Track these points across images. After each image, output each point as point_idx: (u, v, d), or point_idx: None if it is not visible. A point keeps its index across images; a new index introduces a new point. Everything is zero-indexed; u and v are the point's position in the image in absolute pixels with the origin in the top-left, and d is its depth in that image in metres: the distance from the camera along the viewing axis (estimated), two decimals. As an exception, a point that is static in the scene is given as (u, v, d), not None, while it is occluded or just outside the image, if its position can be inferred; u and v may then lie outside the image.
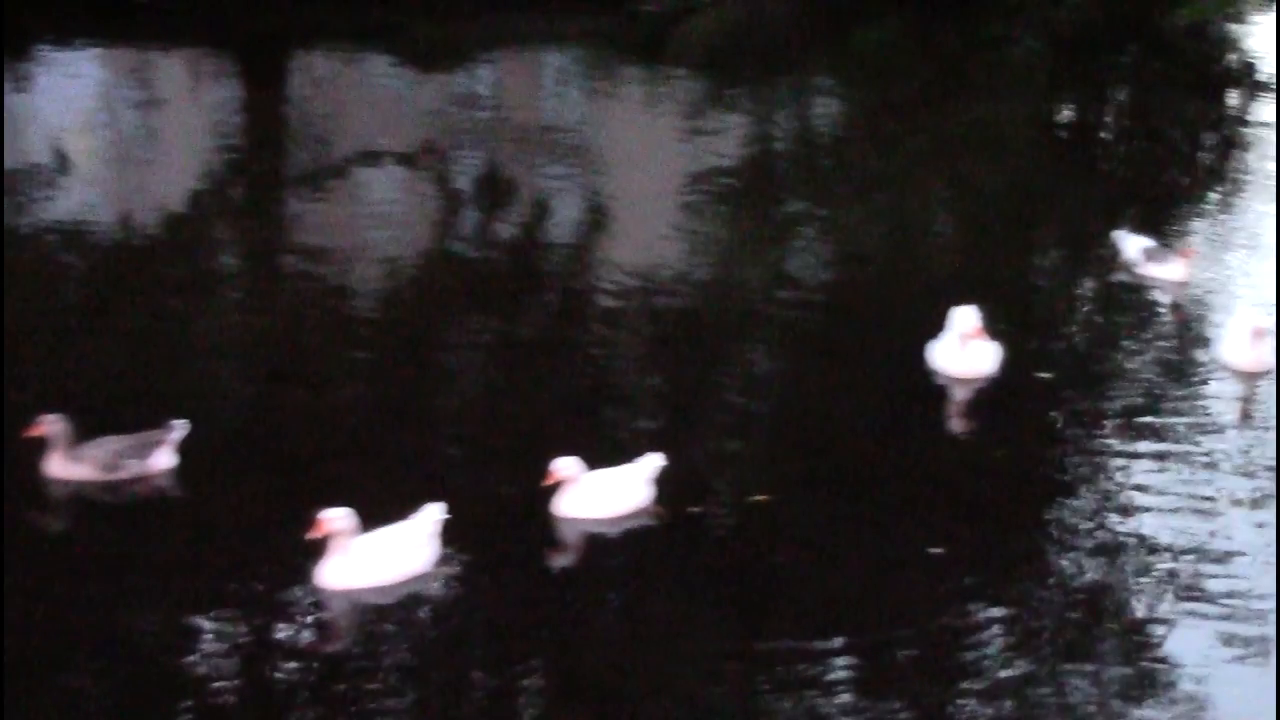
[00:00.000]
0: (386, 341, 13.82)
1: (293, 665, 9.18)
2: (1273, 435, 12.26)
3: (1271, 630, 9.71)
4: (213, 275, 15.49)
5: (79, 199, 17.13)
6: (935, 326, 13.22)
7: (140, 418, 11.28)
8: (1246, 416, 12.70)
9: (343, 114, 21.25)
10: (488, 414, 12.50)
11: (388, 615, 9.68)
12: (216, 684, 8.94)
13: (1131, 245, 15.79)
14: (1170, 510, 11.13)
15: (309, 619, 9.61)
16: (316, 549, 9.79)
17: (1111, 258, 15.94)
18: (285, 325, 14.05)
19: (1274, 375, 13.16)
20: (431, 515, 10.19)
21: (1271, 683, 9.22)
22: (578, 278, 15.71)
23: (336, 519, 9.76)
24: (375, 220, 17.13)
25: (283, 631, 9.47)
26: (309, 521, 9.74)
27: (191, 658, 9.12)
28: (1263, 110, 23.20)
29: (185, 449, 11.18)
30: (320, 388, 12.70)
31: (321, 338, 13.82)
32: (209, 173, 18.56)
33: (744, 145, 20.78)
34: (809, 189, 19.31)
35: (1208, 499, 11.29)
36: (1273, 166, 19.89)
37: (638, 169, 19.46)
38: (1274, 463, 11.73)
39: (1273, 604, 9.99)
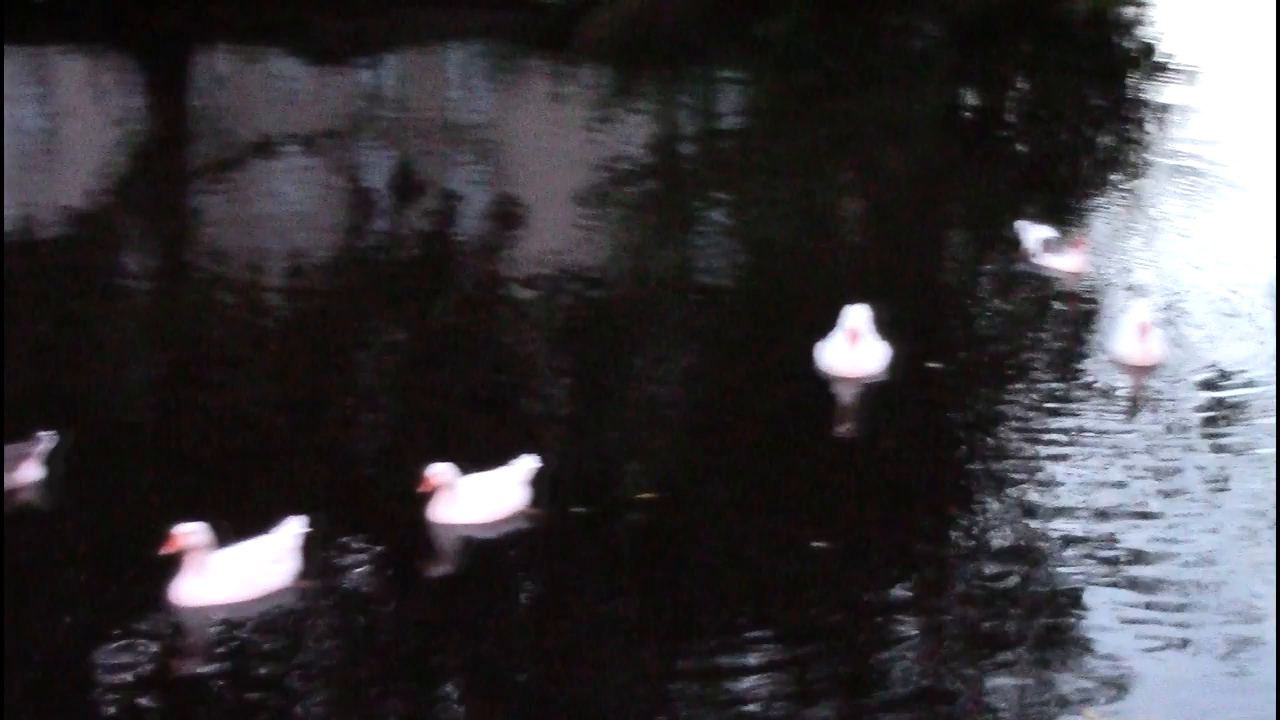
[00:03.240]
0: (293, 340, 13.80)
1: (157, 687, 9.07)
2: (1162, 427, 12.48)
3: (1189, 615, 9.92)
4: (116, 276, 15.37)
5: (-22, 200, 16.97)
6: (834, 321, 13.27)
7: (41, 424, 11.17)
8: (1135, 410, 12.85)
9: (246, 111, 21.10)
10: (392, 414, 12.51)
11: (246, 631, 9.57)
12: (74, 709, 8.85)
13: (1032, 236, 15.92)
14: (1061, 501, 11.32)
15: (169, 638, 9.47)
16: (173, 565, 9.65)
17: (1013, 249, 16.07)
18: (190, 326, 13.99)
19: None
20: (292, 529, 10.07)
21: (1188, 666, 9.41)
22: (484, 272, 15.72)
23: (191, 534, 9.61)
24: (281, 218, 17.09)
25: (142, 652, 9.33)
26: (164, 537, 9.62)
27: (46, 680, 9.00)
28: (1162, 94, 23.45)
29: (80, 456, 11.06)
30: (224, 390, 12.66)
31: (227, 338, 13.77)
32: (111, 173, 18.43)
33: (650, 137, 20.82)
34: (715, 179, 19.35)
35: (1094, 487, 11.50)
36: (1173, 149, 20.19)
37: (544, 162, 19.45)
38: (1169, 456, 11.97)
39: (1189, 588, 10.24)
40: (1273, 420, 12.49)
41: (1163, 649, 9.59)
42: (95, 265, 15.63)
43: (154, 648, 9.35)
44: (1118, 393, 13.04)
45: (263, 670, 9.23)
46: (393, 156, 19.52)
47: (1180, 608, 9.98)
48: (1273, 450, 11.98)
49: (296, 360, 13.35)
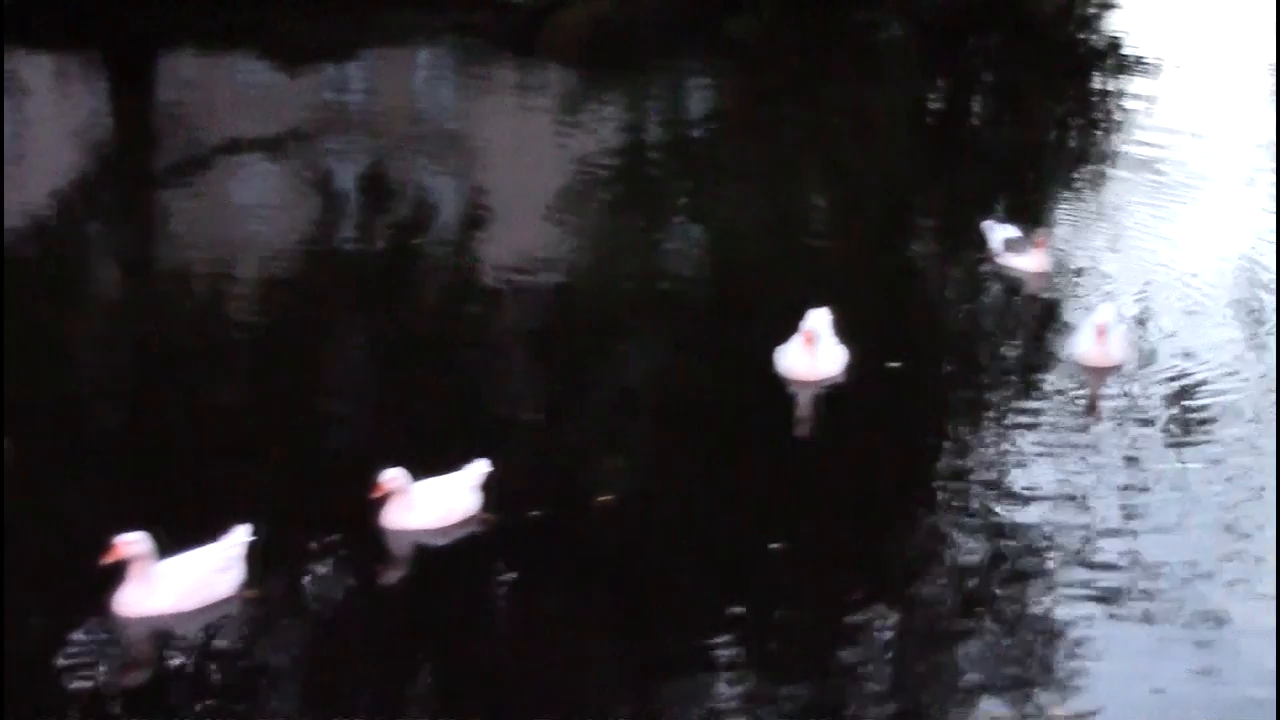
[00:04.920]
0: (259, 343, 13.77)
1: (100, 699, 9.01)
2: (1125, 429, 12.48)
3: (1158, 618, 9.95)
4: (80, 279, 15.33)
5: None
6: (798, 323, 13.23)
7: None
8: (1093, 412, 12.82)
9: (213, 113, 21.05)
10: (355, 418, 12.48)
11: (189, 641, 9.52)
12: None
13: (997, 235, 15.92)
14: (1024, 502, 11.34)
15: (112, 649, 9.42)
16: (118, 574, 9.59)
17: (978, 248, 16.05)
18: (154, 329, 13.95)
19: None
20: (238, 537, 10.00)
21: (1156, 669, 9.43)
22: (451, 273, 15.73)
23: (132, 544, 9.55)
24: (248, 220, 17.06)
25: (86, 663, 9.27)
26: (106, 547, 9.54)
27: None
28: (1129, 89, 23.51)
29: (36, 462, 11.00)
30: (186, 394, 12.59)
31: (191, 342, 13.72)
32: (76, 174, 18.36)
33: (619, 136, 20.81)
34: (683, 179, 19.37)
35: (1057, 488, 11.52)
36: (1138, 146, 20.26)
37: (512, 162, 19.44)
38: (1107, 457, 11.98)
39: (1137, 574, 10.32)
40: (1240, 418, 12.53)
41: (1131, 651, 9.60)
42: (60, 267, 15.58)
43: (97, 659, 9.31)
44: (1078, 395, 13.04)
45: (208, 680, 9.20)
46: (360, 157, 19.48)
47: (1148, 612, 9.98)
48: (1235, 450, 12.01)
49: (261, 363, 13.35)
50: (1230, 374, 13.36)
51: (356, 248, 16.61)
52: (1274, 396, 12.86)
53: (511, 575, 10.28)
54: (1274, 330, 14.19)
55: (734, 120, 22.27)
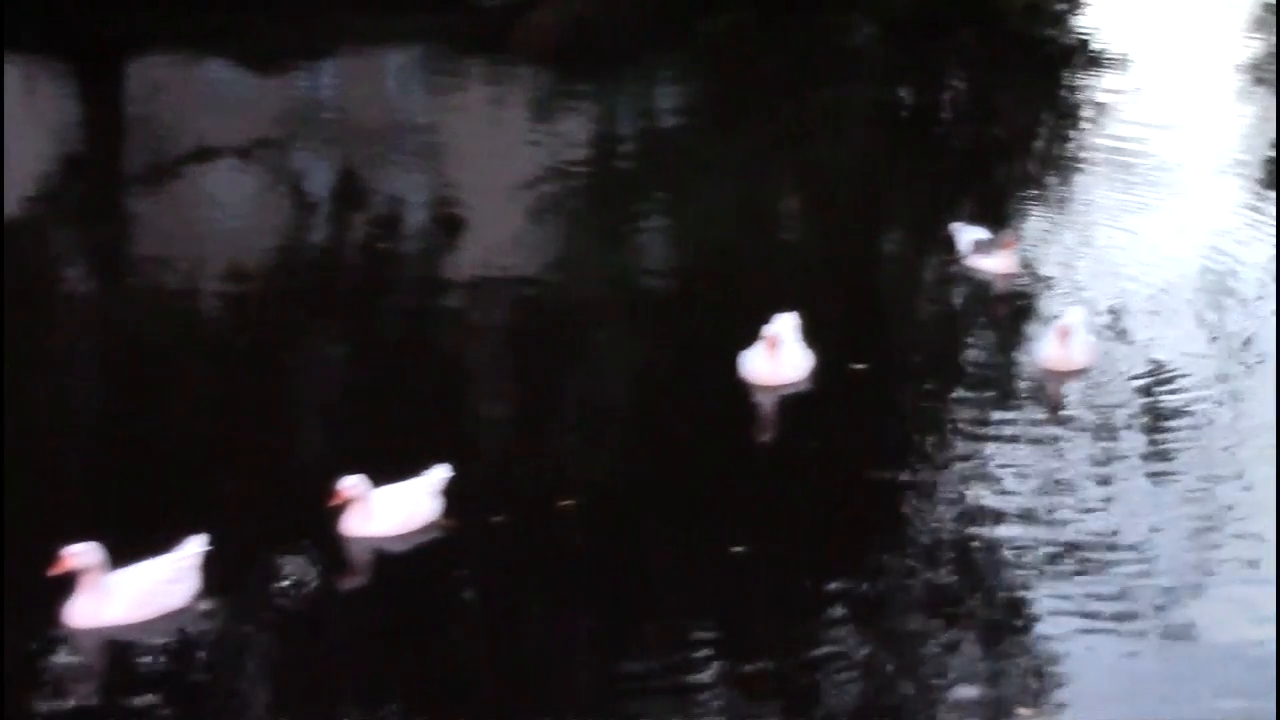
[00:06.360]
0: (228, 349, 13.77)
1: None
2: (1090, 431, 12.49)
3: (1129, 621, 9.97)
4: (49, 285, 15.29)
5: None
6: (764, 325, 13.21)
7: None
8: (1055, 414, 12.80)
9: (183, 118, 20.99)
10: (322, 424, 12.50)
11: (140, 652, 9.48)
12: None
13: (966, 237, 15.91)
14: (988, 504, 11.34)
15: (64, 660, 9.41)
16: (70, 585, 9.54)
17: (947, 250, 16.01)
18: (123, 336, 13.97)
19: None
20: (193, 547, 9.95)
21: (1128, 669, 9.47)
22: (423, 277, 15.74)
23: (80, 554, 9.50)
24: (219, 225, 17.04)
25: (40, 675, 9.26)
26: (52, 558, 9.49)
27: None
28: (1099, 85, 23.53)
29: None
30: (155, 401, 12.60)
31: (160, 348, 13.73)
32: (46, 180, 18.33)
33: (591, 137, 20.81)
34: (655, 180, 19.36)
35: (1023, 490, 11.54)
36: (1108, 142, 20.29)
37: (485, 165, 19.41)
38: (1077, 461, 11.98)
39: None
40: (1216, 421, 12.52)
41: (1103, 652, 9.61)
42: (29, 274, 15.53)
43: (47, 672, 9.29)
44: (1041, 397, 13.04)
45: (160, 692, 9.19)
46: (332, 160, 19.47)
47: (1126, 626, 9.96)
48: (1214, 456, 11.98)
49: (231, 370, 13.32)
50: (1205, 377, 13.31)
51: (326, 250, 16.60)
52: (1253, 400, 12.86)
53: (474, 581, 10.29)
54: (1248, 332, 14.18)
55: (705, 120, 22.25)
